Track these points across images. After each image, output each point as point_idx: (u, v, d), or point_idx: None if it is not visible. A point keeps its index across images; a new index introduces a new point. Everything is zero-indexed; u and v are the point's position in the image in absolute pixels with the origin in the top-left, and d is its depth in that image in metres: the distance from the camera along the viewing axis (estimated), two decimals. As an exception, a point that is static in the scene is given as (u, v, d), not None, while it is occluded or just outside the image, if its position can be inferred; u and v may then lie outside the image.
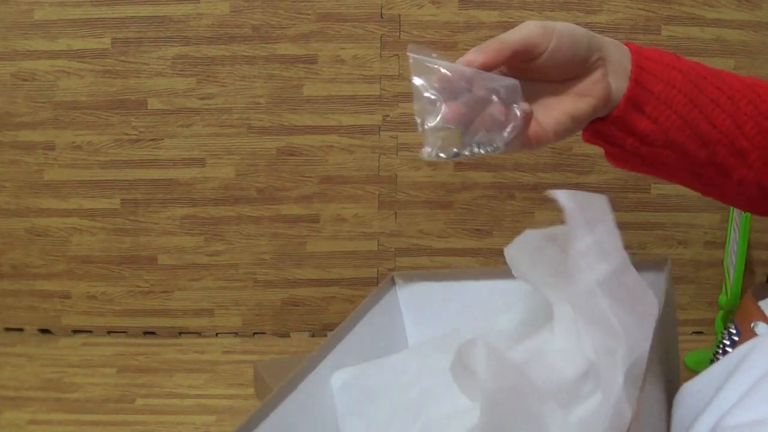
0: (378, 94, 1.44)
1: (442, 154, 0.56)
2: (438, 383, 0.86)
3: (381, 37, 1.42)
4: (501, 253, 0.84)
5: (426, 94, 0.57)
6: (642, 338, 0.64)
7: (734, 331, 1.15)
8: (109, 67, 1.42)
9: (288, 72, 1.43)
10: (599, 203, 0.65)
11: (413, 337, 1.04)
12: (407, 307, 1.03)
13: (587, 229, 0.64)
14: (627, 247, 0.70)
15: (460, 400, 0.83)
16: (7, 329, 1.57)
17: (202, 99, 1.44)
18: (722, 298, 1.35)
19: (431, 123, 0.56)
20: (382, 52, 1.43)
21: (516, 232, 1.49)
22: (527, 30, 0.60)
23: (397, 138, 1.46)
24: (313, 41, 1.42)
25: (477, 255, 1.50)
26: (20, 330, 1.57)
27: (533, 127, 0.61)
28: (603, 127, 0.65)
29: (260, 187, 1.48)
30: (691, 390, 0.67)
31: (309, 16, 1.41)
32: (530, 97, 0.62)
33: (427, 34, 1.42)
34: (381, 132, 1.46)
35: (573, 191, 0.64)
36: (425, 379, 0.88)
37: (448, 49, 1.42)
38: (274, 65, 1.43)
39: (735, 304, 1.29)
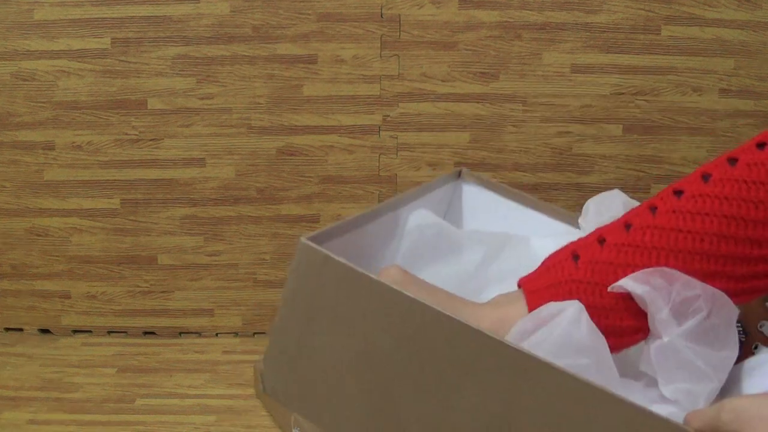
0: (378, 94, 1.44)
1: None
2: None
3: (381, 37, 1.42)
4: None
5: None
6: (724, 377, 0.65)
7: (741, 332, 1.15)
8: (109, 67, 1.42)
9: (288, 72, 1.43)
10: (661, 272, 0.65)
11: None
12: (467, 205, 1.03)
13: (664, 302, 0.64)
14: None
15: None
16: (7, 329, 1.57)
17: (202, 99, 1.44)
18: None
19: None
20: (382, 52, 1.43)
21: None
22: None
23: (397, 138, 1.46)
24: (313, 41, 1.42)
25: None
26: (20, 330, 1.57)
27: None
28: None
29: (260, 187, 1.48)
30: None
31: (309, 16, 1.41)
32: None
33: (427, 34, 1.41)
34: (381, 132, 1.46)
35: (637, 275, 0.64)
36: (492, 282, 0.89)
37: (448, 49, 1.42)
38: (274, 65, 1.43)
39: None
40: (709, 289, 0.64)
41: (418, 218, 0.90)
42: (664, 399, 0.69)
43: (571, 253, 0.67)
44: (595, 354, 0.65)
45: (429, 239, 0.90)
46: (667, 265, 0.64)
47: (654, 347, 0.66)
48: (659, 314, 0.65)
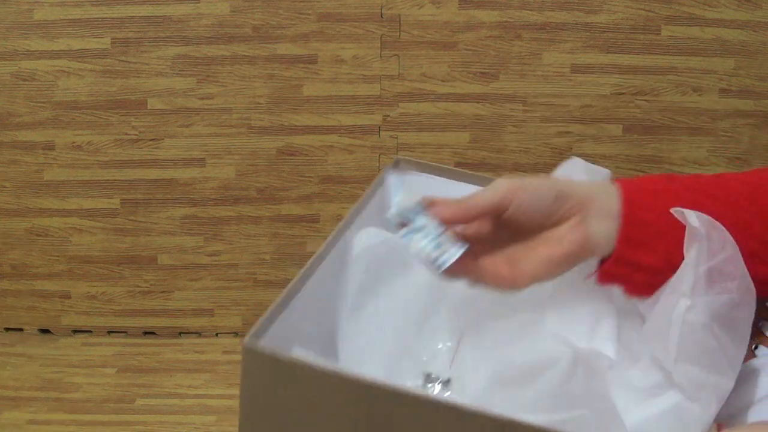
0: (378, 94, 1.44)
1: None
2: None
3: (381, 37, 1.42)
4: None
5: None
6: (736, 376, 0.65)
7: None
8: (109, 67, 1.42)
9: (288, 72, 1.43)
10: (723, 234, 0.65)
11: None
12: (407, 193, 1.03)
13: (705, 258, 0.65)
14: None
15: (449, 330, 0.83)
16: (7, 329, 1.57)
17: (202, 99, 1.44)
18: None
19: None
20: (382, 52, 1.43)
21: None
22: (492, 193, 0.65)
23: (397, 138, 1.46)
24: (313, 41, 1.42)
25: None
26: (20, 330, 1.57)
27: (508, 270, 0.67)
28: (610, 267, 0.67)
29: (260, 187, 1.48)
30: None
31: (309, 16, 1.41)
32: (509, 242, 0.68)
33: (427, 34, 1.41)
34: (381, 132, 1.46)
35: (702, 215, 0.66)
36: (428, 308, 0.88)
37: (449, 49, 1.42)
38: (274, 65, 1.43)
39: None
40: (748, 280, 0.65)
41: (365, 239, 0.88)
42: (667, 384, 0.68)
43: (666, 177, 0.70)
44: (595, 401, 0.64)
45: (382, 258, 0.88)
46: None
47: (680, 314, 0.65)
48: (698, 268, 0.65)
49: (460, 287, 0.93)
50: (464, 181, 1.03)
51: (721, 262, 0.65)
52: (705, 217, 0.66)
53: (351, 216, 0.86)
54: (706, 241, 0.65)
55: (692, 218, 0.66)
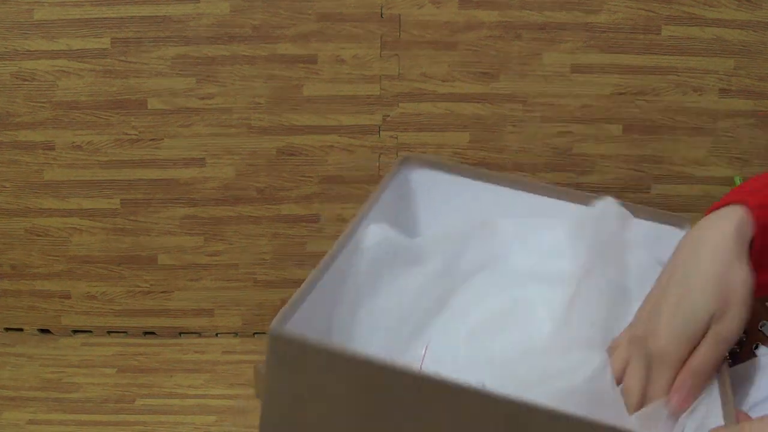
0: (378, 94, 1.44)
1: None
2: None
3: (381, 37, 1.42)
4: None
5: None
6: None
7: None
8: (109, 67, 1.42)
9: (288, 72, 1.43)
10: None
11: (424, 221, 1.02)
12: (418, 191, 1.01)
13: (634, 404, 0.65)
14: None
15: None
16: (7, 329, 1.57)
17: (202, 99, 1.44)
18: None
19: None
20: (382, 52, 1.43)
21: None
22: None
23: (397, 138, 1.46)
24: (313, 41, 1.42)
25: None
26: (20, 330, 1.56)
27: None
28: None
29: (260, 187, 1.48)
30: None
31: (309, 16, 1.41)
32: None
33: (427, 34, 1.41)
34: (381, 132, 1.46)
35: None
36: (459, 283, 0.87)
37: (449, 49, 1.42)
38: (274, 65, 1.43)
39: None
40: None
41: (372, 237, 0.87)
42: None
43: None
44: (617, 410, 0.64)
45: (383, 258, 0.87)
46: None
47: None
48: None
49: (465, 292, 0.92)
50: (472, 178, 1.01)
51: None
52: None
53: (357, 220, 0.86)
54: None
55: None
